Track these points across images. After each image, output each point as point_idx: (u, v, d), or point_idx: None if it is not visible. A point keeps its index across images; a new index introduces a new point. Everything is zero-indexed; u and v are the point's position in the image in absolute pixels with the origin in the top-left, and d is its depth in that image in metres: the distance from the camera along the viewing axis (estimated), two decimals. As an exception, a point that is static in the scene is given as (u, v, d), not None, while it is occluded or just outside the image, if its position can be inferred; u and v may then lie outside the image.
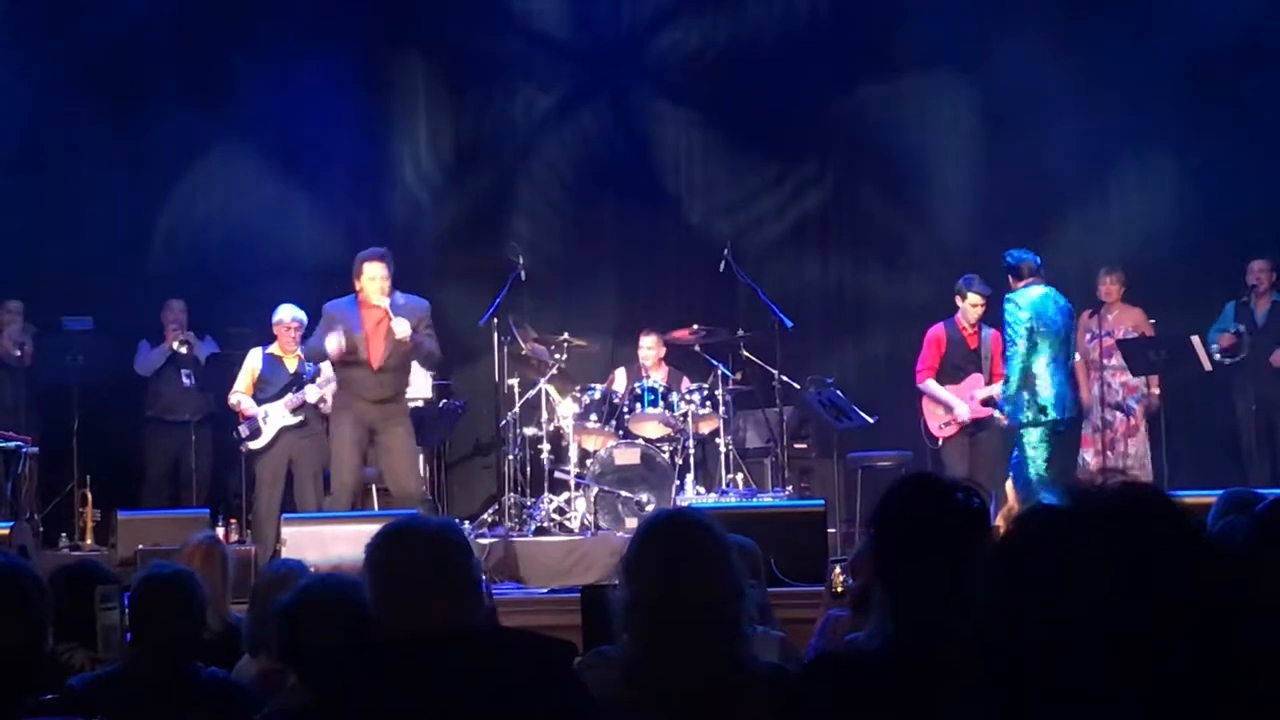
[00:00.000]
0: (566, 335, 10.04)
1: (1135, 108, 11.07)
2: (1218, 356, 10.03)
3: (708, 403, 9.77)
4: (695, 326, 10.21)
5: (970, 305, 9.45)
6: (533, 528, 9.31)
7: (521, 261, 9.83)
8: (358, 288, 8.51)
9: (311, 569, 4.49)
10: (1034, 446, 8.49)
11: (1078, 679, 1.07)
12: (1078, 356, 9.96)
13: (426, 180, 11.98)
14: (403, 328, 8.36)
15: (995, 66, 11.16)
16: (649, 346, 10.30)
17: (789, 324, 10.02)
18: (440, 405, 10.35)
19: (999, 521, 8.61)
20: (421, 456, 9.73)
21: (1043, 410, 8.47)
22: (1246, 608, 1.10)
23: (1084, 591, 1.09)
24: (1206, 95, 10.71)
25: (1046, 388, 8.50)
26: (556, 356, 9.98)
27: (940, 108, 11.62)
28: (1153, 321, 10.29)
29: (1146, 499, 1.16)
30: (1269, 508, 2.67)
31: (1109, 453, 9.99)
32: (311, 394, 9.33)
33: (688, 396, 9.79)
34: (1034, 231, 10.84)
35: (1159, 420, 10.10)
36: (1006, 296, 8.71)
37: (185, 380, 10.38)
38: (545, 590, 8.22)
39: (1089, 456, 10.24)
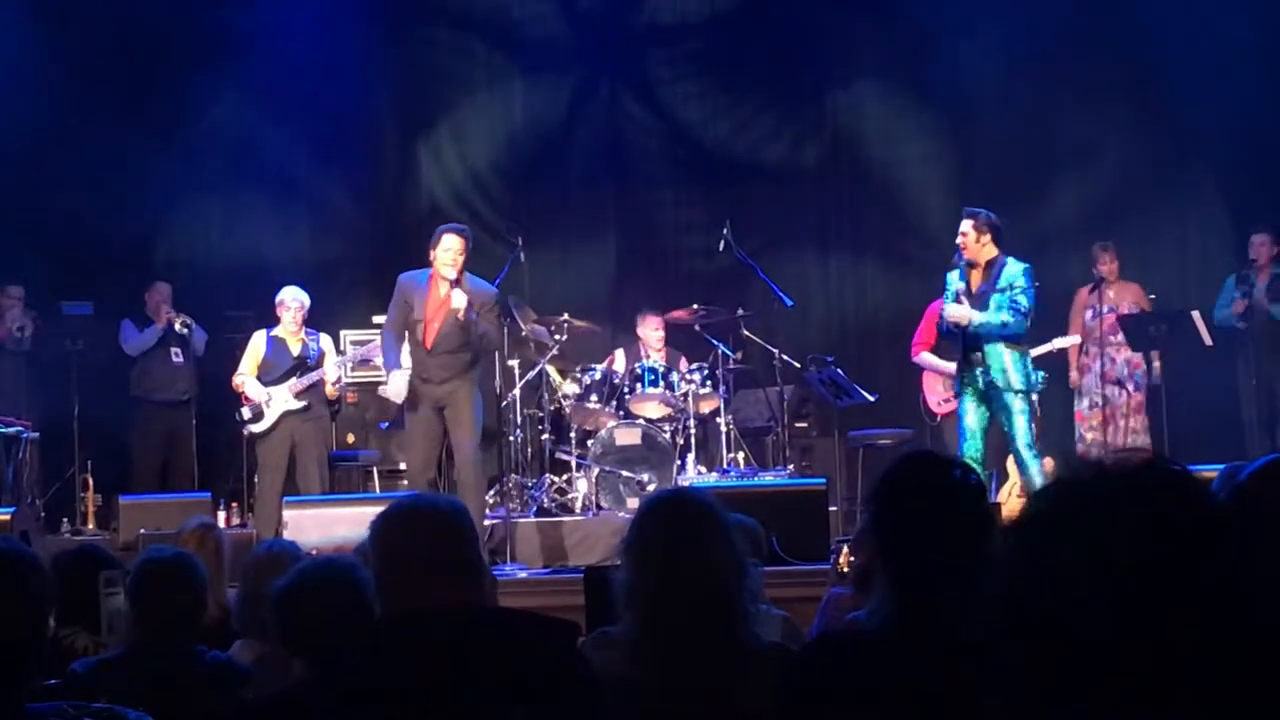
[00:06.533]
0: (566, 316, 10.01)
1: (1133, 88, 11.06)
2: (1239, 325, 10.02)
3: (708, 382, 9.76)
4: (695, 306, 10.17)
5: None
6: (534, 509, 9.31)
7: (520, 242, 9.81)
8: (431, 258, 8.35)
9: (314, 551, 4.50)
10: (1023, 414, 8.12)
11: (1100, 653, 1.07)
12: (1078, 338, 9.96)
13: (426, 163, 11.96)
14: (460, 299, 8.24)
15: (993, 38, 11.14)
16: (655, 328, 10.30)
17: (789, 303, 10.01)
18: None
19: (1001, 498, 8.60)
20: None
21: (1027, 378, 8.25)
22: (1269, 581, 1.09)
23: (1108, 567, 1.08)
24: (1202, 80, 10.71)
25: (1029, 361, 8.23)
26: (556, 337, 9.95)
27: (941, 77, 11.57)
28: (1152, 296, 10.29)
29: (1170, 474, 1.15)
30: (1249, 479, 2.64)
31: (1109, 428, 9.98)
32: (331, 372, 9.34)
33: (688, 376, 9.78)
34: (1031, 200, 10.84)
35: (1160, 395, 10.09)
36: (1026, 261, 7.96)
37: (175, 358, 10.34)
38: (548, 571, 8.23)
39: (1086, 432, 10.23)
